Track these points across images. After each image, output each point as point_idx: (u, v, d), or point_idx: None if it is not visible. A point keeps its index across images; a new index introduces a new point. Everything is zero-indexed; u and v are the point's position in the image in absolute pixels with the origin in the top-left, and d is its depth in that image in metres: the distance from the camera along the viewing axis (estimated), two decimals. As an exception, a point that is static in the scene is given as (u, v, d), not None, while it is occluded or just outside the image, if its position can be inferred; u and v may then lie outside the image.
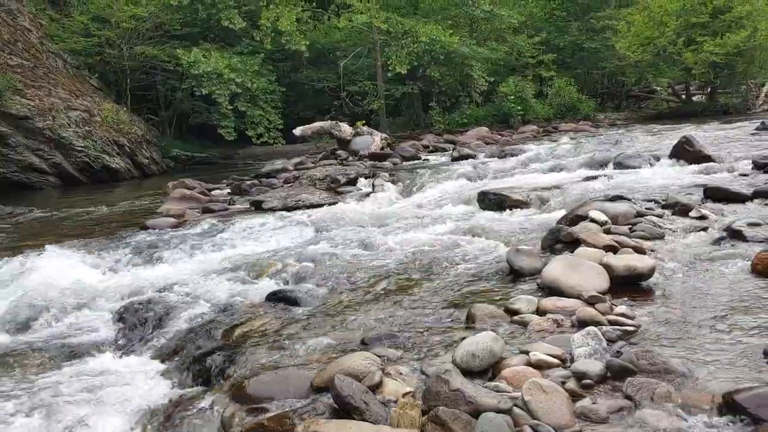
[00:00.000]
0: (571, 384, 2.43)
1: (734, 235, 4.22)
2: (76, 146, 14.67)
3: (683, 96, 22.61)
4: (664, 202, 5.37)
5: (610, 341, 2.75)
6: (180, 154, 18.94)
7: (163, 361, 3.65)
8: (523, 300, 3.38)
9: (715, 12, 18.99)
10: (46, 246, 6.34)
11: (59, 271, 5.56)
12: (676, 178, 6.92)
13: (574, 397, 2.35)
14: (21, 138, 13.80)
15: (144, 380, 3.36)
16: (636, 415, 2.22)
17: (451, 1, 21.86)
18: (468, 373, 2.59)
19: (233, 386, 2.91)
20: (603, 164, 8.44)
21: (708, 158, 7.54)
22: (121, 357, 3.85)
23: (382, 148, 13.65)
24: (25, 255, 6.11)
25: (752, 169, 6.74)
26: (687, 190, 5.91)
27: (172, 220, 7.84)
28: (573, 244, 4.25)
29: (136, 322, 4.21)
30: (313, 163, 13.07)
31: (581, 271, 3.55)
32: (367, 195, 8.80)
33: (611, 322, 2.96)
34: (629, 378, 2.41)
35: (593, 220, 4.63)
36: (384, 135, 15.08)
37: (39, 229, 8.51)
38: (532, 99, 21.22)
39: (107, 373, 3.48)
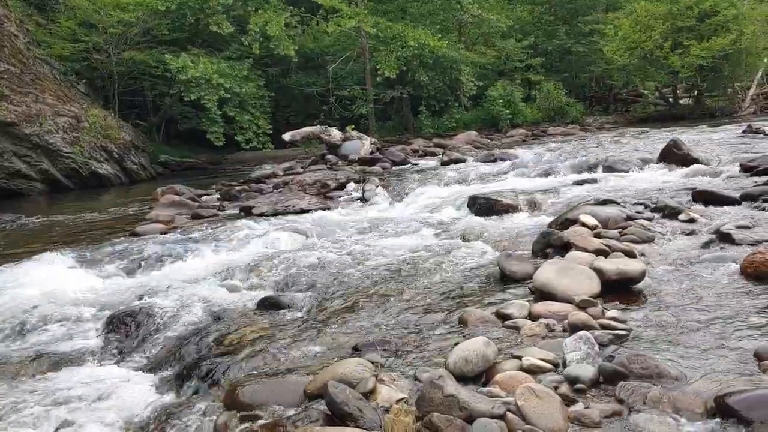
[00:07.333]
0: (564, 389, 2.44)
1: (723, 237, 4.24)
2: (63, 152, 14.58)
3: (670, 99, 22.80)
4: (653, 206, 5.39)
5: (602, 345, 2.76)
6: (169, 160, 18.86)
7: (153, 370, 3.62)
8: (515, 305, 3.38)
9: (701, 16, 19.19)
10: (33, 253, 6.28)
11: (47, 278, 5.50)
12: (665, 181, 6.98)
13: (567, 401, 2.35)
14: (8, 144, 13.69)
15: (134, 389, 3.32)
16: (629, 420, 2.22)
17: (440, 6, 21.96)
18: (461, 378, 2.59)
19: (225, 394, 2.89)
20: (592, 168, 8.48)
21: (696, 161, 7.62)
22: (110, 365, 3.81)
23: (371, 153, 13.63)
24: (12, 262, 6.04)
25: (740, 171, 6.80)
26: (676, 194, 5.94)
27: (162, 226, 7.79)
28: (564, 248, 4.26)
29: (126, 330, 4.17)
30: (302, 168, 13.04)
31: (572, 275, 3.55)
32: (357, 200, 8.79)
33: (603, 326, 2.96)
34: (622, 382, 2.42)
35: (583, 224, 4.64)
36: (373, 139, 15.08)
37: (26, 236, 8.44)
38: (520, 103, 21.35)
39: (96, 382, 3.43)
